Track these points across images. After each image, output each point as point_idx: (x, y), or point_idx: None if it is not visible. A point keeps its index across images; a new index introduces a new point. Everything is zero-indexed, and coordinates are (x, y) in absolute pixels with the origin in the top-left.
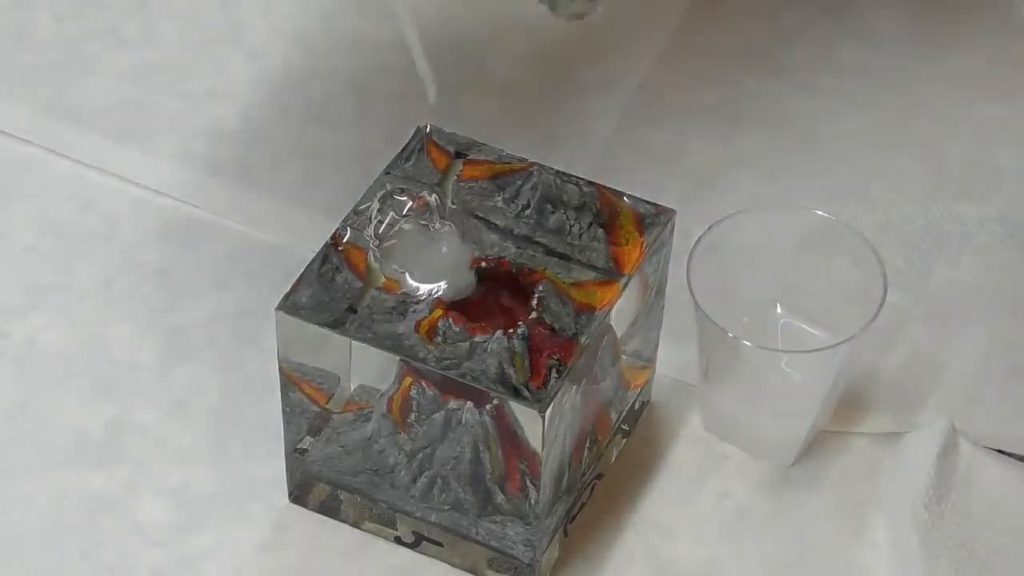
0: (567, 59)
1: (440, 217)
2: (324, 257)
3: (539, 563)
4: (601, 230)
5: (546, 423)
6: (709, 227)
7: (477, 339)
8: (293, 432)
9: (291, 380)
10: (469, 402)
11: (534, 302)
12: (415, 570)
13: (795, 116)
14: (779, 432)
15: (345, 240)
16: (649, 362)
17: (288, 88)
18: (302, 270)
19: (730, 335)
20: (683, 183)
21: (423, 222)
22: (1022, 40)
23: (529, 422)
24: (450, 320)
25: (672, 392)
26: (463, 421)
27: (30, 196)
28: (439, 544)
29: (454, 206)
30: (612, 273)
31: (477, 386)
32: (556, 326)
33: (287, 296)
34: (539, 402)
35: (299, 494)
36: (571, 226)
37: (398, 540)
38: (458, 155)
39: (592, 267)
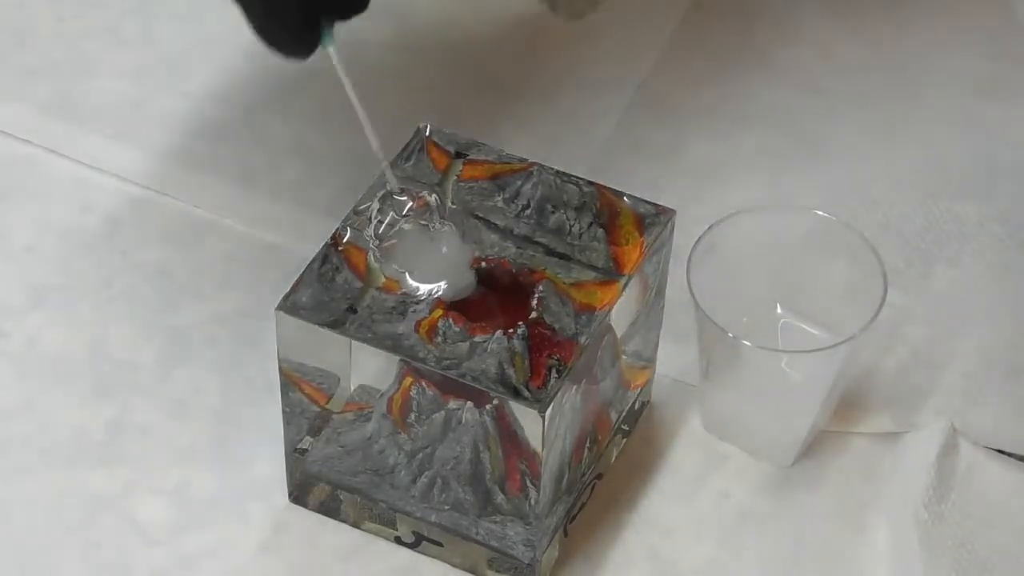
0: (567, 59)
1: (440, 217)
2: (324, 257)
3: (539, 563)
4: (601, 230)
5: (546, 423)
6: (709, 227)
7: (477, 339)
8: (293, 432)
9: (291, 380)
10: (469, 402)
11: (534, 302)
12: (415, 570)
13: (795, 116)
14: (779, 432)
15: (345, 240)
16: (649, 362)
17: (288, 88)
18: (302, 270)
19: (730, 335)
20: (683, 183)
21: (423, 222)
22: (1022, 40)
23: (529, 422)
24: (450, 320)
25: (672, 392)
26: (463, 421)
27: (30, 196)
28: (439, 544)
29: (454, 206)
30: (612, 273)
31: (477, 386)
32: (556, 326)
33: (287, 296)
34: (539, 402)
35: (299, 494)
36: (571, 226)
37: (398, 540)
38: (458, 155)
39: (592, 267)
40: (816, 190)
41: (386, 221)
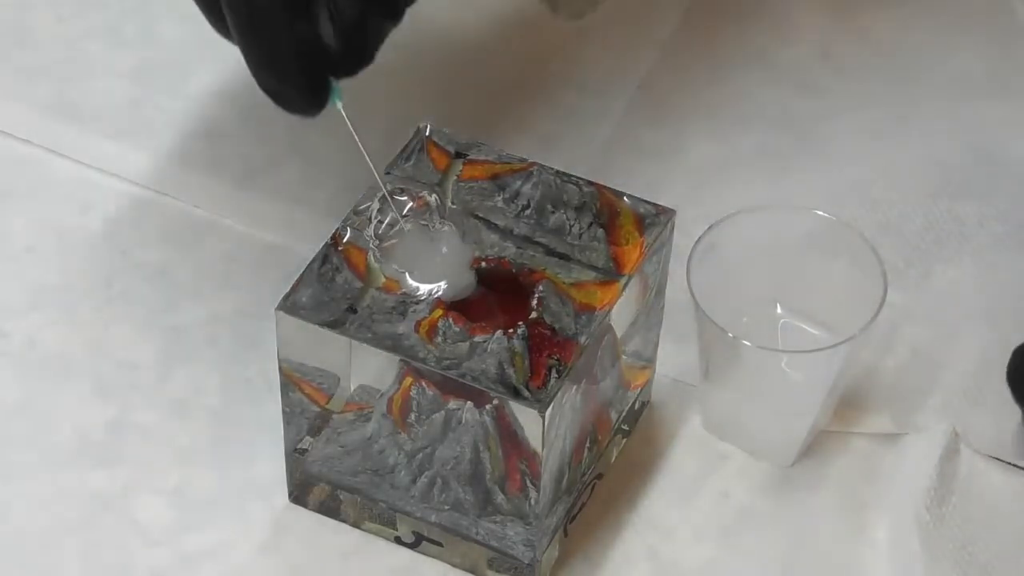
0: (567, 59)
1: (440, 217)
2: (324, 257)
3: (539, 563)
4: (601, 230)
5: (546, 423)
6: (709, 227)
7: (477, 339)
8: (293, 432)
9: (291, 380)
10: (469, 402)
11: (534, 302)
12: (415, 570)
13: (795, 116)
14: (779, 432)
15: (345, 240)
16: (649, 362)
17: None
18: (302, 270)
19: (730, 335)
20: (683, 183)
21: (423, 222)
22: (1022, 40)
23: (529, 422)
24: (450, 320)
25: (672, 392)
26: (463, 421)
27: (30, 196)
28: (439, 544)
29: (454, 206)
30: (612, 273)
31: (477, 386)
32: (556, 326)
33: (287, 296)
34: (539, 402)
35: (299, 494)
36: (571, 226)
37: (398, 540)
38: (458, 155)
39: (592, 267)
40: (816, 190)
41: (386, 221)
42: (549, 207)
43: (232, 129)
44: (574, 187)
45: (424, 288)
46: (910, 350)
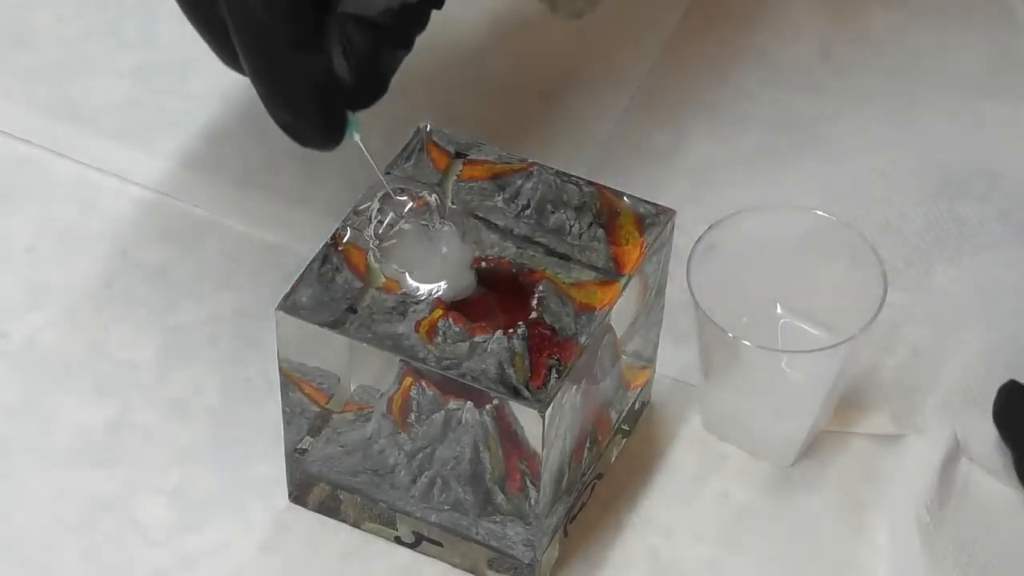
0: (567, 59)
1: (440, 217)
2: (324, 257)
3: (539, 563)
4: (601, 230)
5: (546, 423)
6: (709, 227)
7: (477, 339)
8: (293, 432)
9: (291, 380)
10: (469, 402)
11: (534, 302)
12: (415, 570)
13: (795, 116)
14: (779, 432)
15: (345, 240)
16: (649, 362)
17: None
18: (302, 270)
19: (730, 335)
20: (683, 183)
21: (423, 222)
22: (1022, 40)
23: (529, 422)
24: (450, 320)
25: (672, 392)
26: (463, 421)
27: (30, 196)
28: (439, 544)
29: (454, 206)
30: (612, 273)
31: (477, 386)
32: (556, 326)
33: (287, 296)
34: (539, 402)
35: (299, 494)
36: (571, 226)
37: (398, 540)
38: (458, 155)
39: (592, 267)
40: (816, 190)
41: (386, 221)
42: (549, 207)
43: (232, 129)
44: (574, 187)
45: (424, 288)
46: (910, 350)
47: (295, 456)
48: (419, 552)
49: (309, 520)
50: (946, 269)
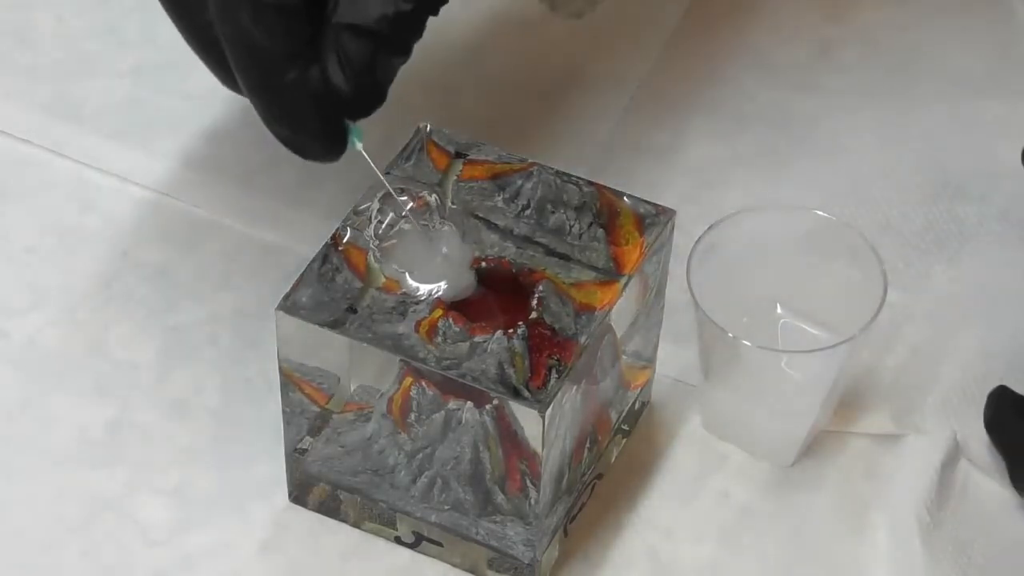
0: (567, 59)
1: (440, 217)
2: (324, 257)
3: (539, 563)
4: (601, 230)
5: (546, 423)
6: (709, 227)
7: (477, 339)
8: (293, 432)
9: (291, 380)
10: (469, 402)
11: (534, 302)
12: (415, 570)
13: (795, 116)
14: (779, 432)
15: (345, 240)
16: (649, 362)
17: None
18: (302, 270)
19: (730, 335)
20: (683, 183)
21: (423, 222)
22: (1022, 40)
23: (529, 422)
24: (450, 320)
25: (672, 392)
26: (463, 421)
27: (30, 196)
28: (439, 544)
29: (454, 206)
30: (612, 273)
31: (477, 386)
32: (556, 326)
33: (287, 296)
34: (539, 402)
35: (299, 494)
36: (571, 226)
37: (398, 540)
38: (458, 155)
39: (592, 267)
40: (816, 190)
41: (386, 221)
42: (549, 207)
43: (232, 129)
44: (574, 187)
45: (424, 288)
46: (910, 350)
47: (295, 456)
48: (419, 552)
49: (309, 520)
50: (946, 269)
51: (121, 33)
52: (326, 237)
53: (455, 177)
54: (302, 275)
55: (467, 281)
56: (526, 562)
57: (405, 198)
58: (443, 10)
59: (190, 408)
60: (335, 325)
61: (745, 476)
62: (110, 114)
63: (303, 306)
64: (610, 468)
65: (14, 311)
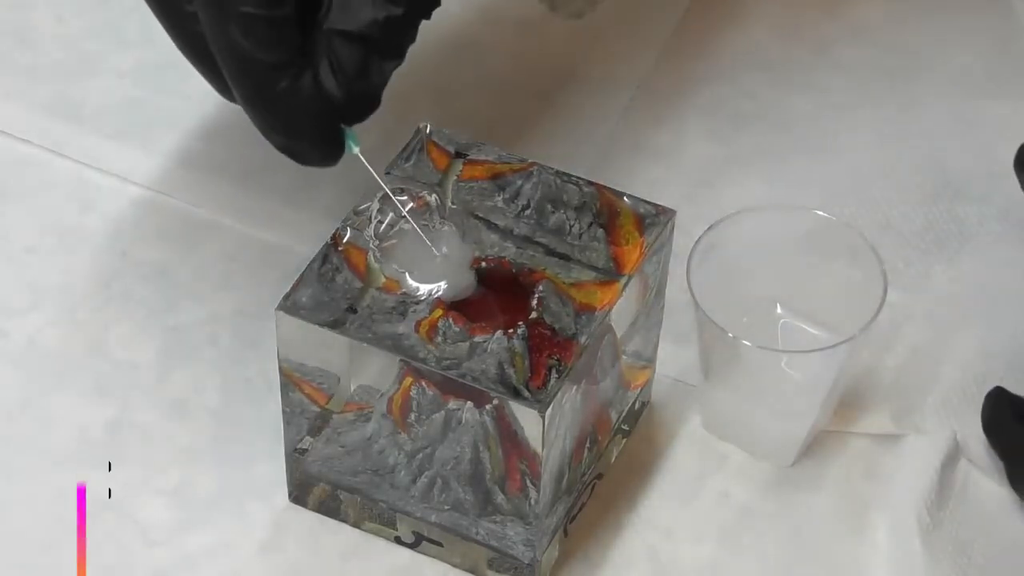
0: (567, 59)
1: (440, 217)
2: (324, 257)
3: (539, 563)
4: (601, 230)
5: (546, 423)
6: (709, 227)
7: (477, 339)
8: (293, 432)
9: (291, 380)
10: (469, 402)
11: (534, 302)
12: (415, 570)
13: (795, 116)
14: (779, 432)
15: (345, 240)
16: (649, 362)
17: None
18: (302, 270)
19: (730, 335)
20: (683, 183)
21: (423, 222)
22: (1022, 39)
23: (529, 422)
24: (450, 320)
25: (672, 392)
26: (463, 421)
27: (30, 196)
28: (439, 544)
29: (454, 206)
30: (612, 273)
31: (477, 386)
32: (556, 326)
33: (287, 296)
34: (539, 402)
35: (299, 494)
36: (571, 226)
37: (398, 540)
38: (458, 155)
39: (592, 267)
40: (816, 190)
41: (386, 221)
42: (549, 207)
43: (232, 129)
44: (574, 187)
45: (424, 288)
46: (910, 350)
47: (295, 456)
48: (419, 552)
49: (309, 520)
50: (946, 269)
51: (121, 33)
52: (326, 237)
53: (455, 177)
54: (302, 275)
55: (467, 281)
56: (526, 562)
57: (405, 198)
58: (443, 10)
59: (190, 408)
60: (335, 325)
61: (745, 476)
62: (110, 114)
63: (303, 306)
64: (610, 468)
65: (14, 311)
